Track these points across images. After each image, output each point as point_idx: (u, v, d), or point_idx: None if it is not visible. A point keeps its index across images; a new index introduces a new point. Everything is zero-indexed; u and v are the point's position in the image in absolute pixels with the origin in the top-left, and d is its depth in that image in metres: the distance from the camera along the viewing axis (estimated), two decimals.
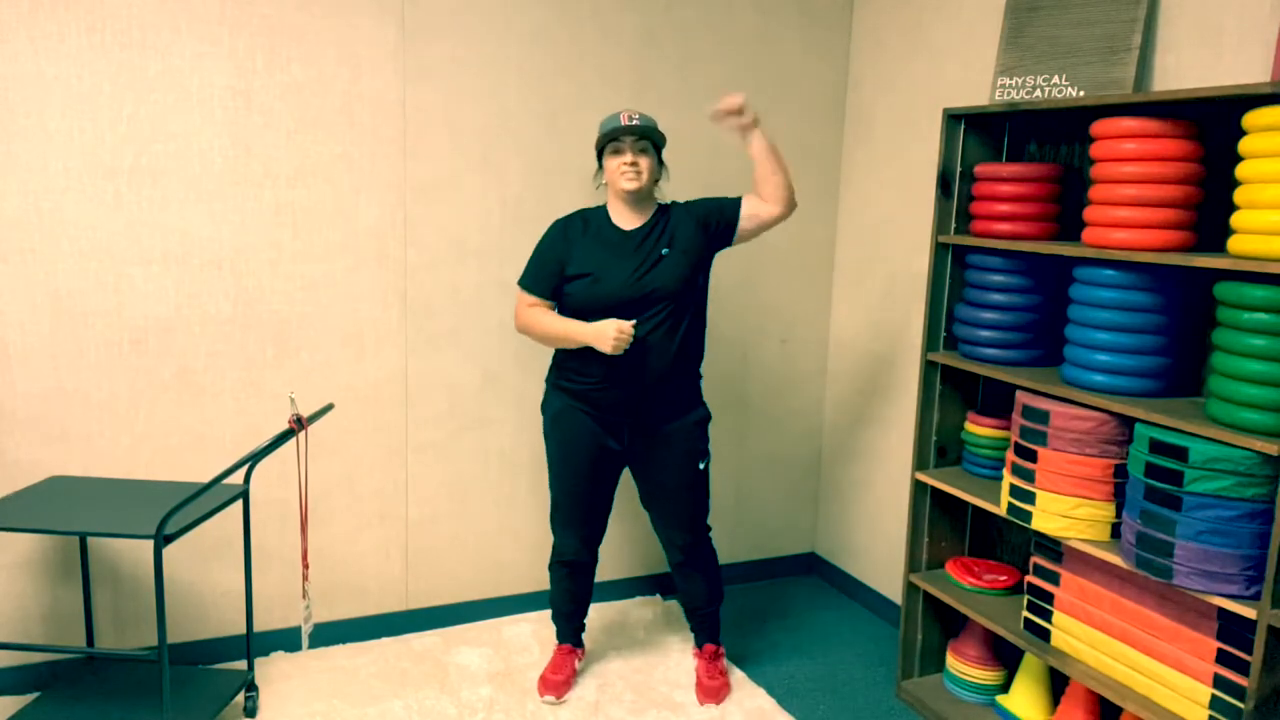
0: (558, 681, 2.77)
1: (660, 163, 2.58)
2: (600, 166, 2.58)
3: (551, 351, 2.77)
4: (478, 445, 3.14)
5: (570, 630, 2.86)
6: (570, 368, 2.58)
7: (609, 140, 2.50)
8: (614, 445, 2.61)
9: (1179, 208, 2.11)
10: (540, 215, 3.09)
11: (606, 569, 3.37)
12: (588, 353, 2.52)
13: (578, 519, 2.69)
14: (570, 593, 2.79)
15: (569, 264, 2.54)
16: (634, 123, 2.48)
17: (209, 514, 2.34)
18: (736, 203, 2.59)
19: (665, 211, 2.61)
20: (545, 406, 2.68)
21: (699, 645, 2.89)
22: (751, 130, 2.51)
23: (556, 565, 2.77)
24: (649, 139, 2.50)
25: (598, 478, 2.65)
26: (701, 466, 2.67)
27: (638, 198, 2.55)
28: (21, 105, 2.48)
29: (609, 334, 2.39)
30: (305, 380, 2.88)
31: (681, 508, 2.67)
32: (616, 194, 2.56)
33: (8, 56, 2.46)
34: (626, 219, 2.57)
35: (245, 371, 2.81)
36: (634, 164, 2.48)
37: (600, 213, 2.60)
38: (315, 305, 2.86)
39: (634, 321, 2.45)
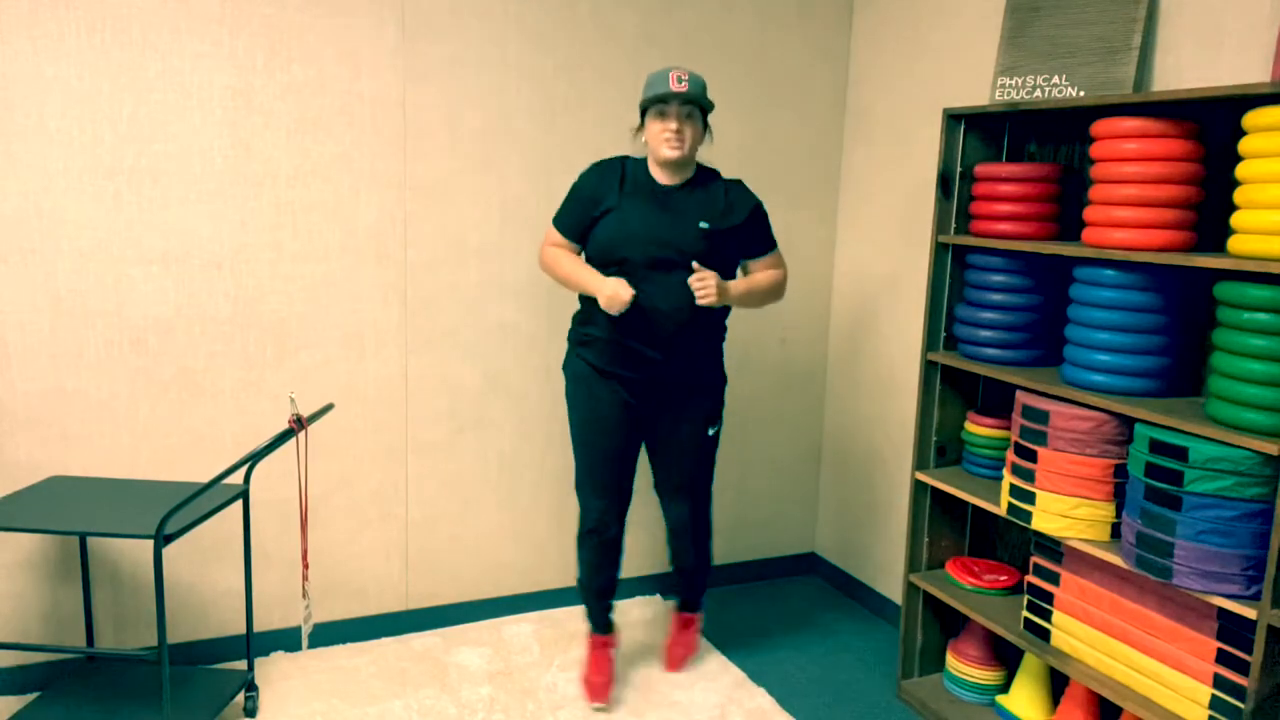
0: (600, 684, 2.72)
1: (706, 127, 2.49)
2: (642, 124, 2.49)
3: (570, 313, 2.77)
4: (478, 445, 3.14)
5: (601, 612, 2.78)
6: (593, 322, 2.57)
7: (655, 102, 2.41)
8: (631, 400, 2.60)
9: (1179, 208, 2.11)
10: (541, 215, 3.09)
11: None
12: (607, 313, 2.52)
13: (601, 481, 2.64)
14: (597, 566, 2.71)
15: (600, 202, 2.51)
16: (683, 86, 2.37)
17: (209, 514, 2.34)
18: (759, 254, 2.60)
19: (710, 177, 2.55)
20: (566, 365, 2.66)
21: (678, 609, 2.94)
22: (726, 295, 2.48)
23: (585, 536, 2.70)
24: (696, 104, 2.41)
25: (619, 434, 2.62)
26: (711, 432, 2.67)
27: (679, 164, 2.49)
28: (21, 105, 2.48)
29: (607, 290, 2.40)
30: (305, 380, 2.88)
31: (685, 468, 2.68)
32: (656, 158, 2.49)
33: (8, 56, 2.46)
34: (664, 177, 2.52)
35: (245, 371, 2.81)
36: (679, 132, 2.40)
37: (641, 164, 2.55)
38: (315, 305, 2.86)
39: (634, 293, 2.42)
